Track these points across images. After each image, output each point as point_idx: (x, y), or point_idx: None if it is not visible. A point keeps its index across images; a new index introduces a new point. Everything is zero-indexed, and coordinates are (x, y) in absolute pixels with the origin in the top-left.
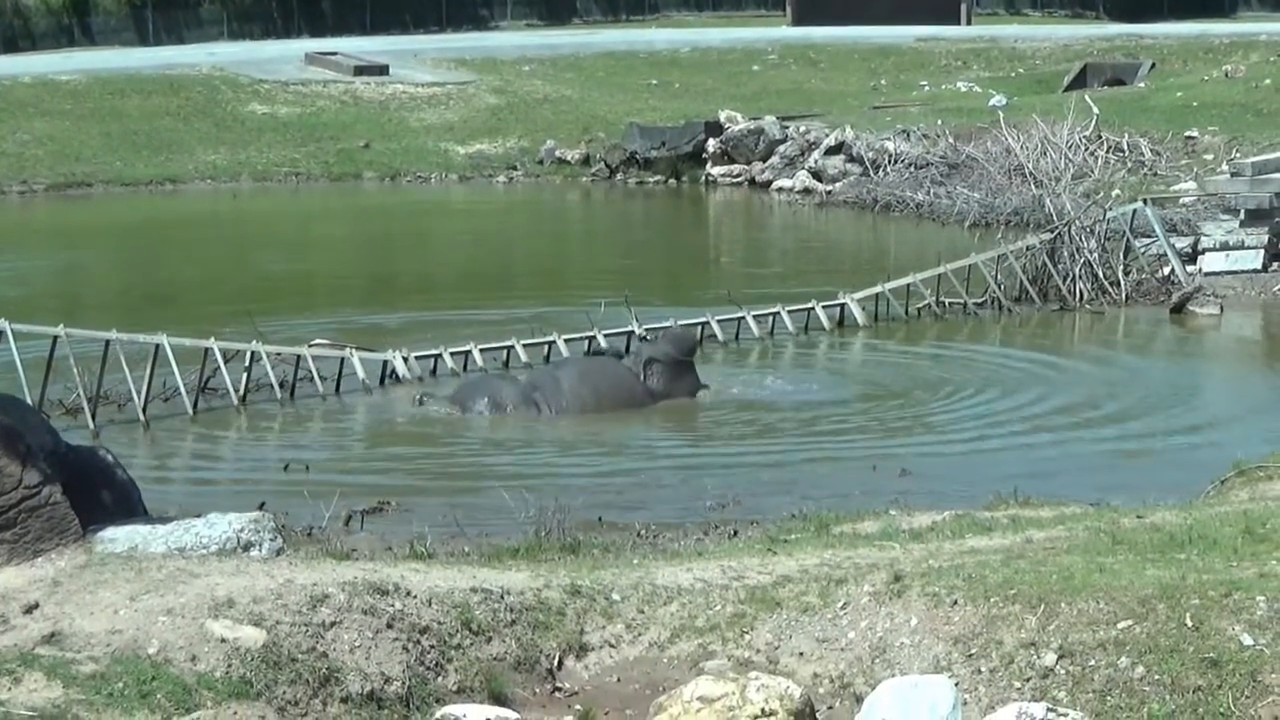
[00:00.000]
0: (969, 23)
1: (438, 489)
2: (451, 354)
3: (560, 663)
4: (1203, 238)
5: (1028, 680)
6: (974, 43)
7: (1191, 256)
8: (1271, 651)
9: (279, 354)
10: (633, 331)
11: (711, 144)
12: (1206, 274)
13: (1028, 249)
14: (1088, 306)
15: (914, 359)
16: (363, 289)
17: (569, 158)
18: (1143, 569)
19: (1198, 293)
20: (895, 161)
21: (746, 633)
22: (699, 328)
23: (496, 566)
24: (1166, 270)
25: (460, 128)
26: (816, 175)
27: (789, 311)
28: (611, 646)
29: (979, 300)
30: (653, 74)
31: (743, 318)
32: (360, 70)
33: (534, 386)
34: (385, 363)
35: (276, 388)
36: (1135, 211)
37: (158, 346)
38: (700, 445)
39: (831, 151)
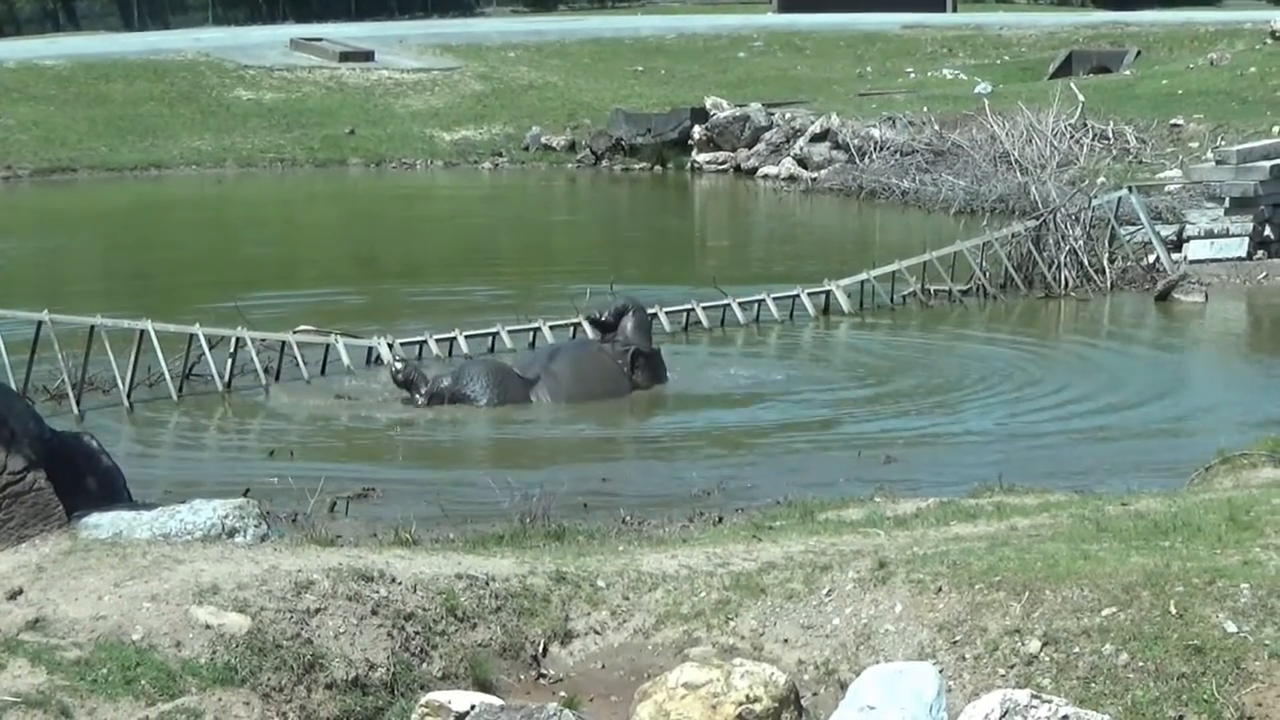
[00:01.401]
0: (955, 10)
1: (423, 476)
2: (436, 340)
3: (545, 649)
4: (1188, 225)
5: (1012, 667)
6: (960, 30)
7: (1177, 244)
8: (1255, 639)
9: (264, 340)
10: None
11: (697, 131)
12: (1191, 262)
13: (1013, 236)
14: (1073, 294)
15: (899, 346)
16: (347, 273)
17: (554, 144)
18: (1127, 556)
19: (1183, 280)
20: (881, 148)
21: (731, 619)
22: (684, 314)
23: (481, 553)
24: (1152, 258)
25: (445, 114)
26: (802, 162)
27: (774, 298)
28: (596, 633)
29: (964, 288)
30: (638, 60)
31: (728, 304)
32: (345, 56)
33: (530, 378)
34: (370, 349)
35: (261, 374)
36: (1120, 199)
37: (142, 332)
38: (685, 432)
39: (817, 138)
